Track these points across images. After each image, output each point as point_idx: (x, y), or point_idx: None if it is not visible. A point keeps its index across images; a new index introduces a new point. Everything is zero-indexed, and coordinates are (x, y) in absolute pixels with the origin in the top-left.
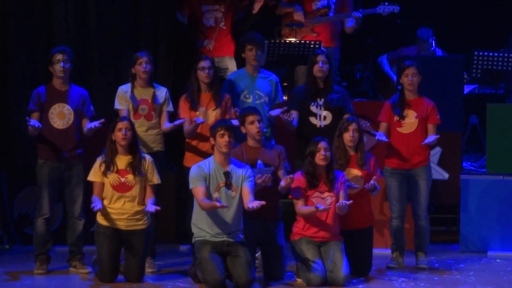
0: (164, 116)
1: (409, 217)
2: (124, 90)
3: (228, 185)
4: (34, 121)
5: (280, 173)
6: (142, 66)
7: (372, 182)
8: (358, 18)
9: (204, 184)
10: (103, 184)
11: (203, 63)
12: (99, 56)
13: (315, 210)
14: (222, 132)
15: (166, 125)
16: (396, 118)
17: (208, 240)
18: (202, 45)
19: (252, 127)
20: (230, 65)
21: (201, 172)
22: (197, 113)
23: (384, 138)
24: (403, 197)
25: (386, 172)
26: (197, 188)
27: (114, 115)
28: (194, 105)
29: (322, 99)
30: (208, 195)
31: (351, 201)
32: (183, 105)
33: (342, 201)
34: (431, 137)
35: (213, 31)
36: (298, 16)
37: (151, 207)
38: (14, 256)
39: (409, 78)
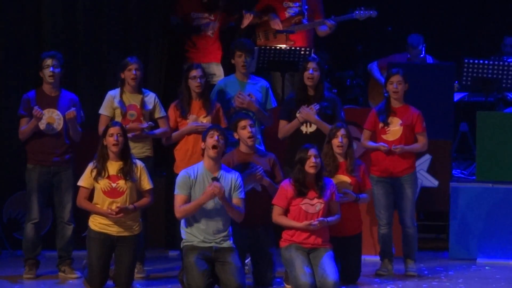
0: (160, 123)
1: (398, 224)
2: (112, 95)
3: None
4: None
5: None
6: (131, 72)
7: (341, 194)
8: (332, 26)
9: (187, 193)
10: (89, 190)
11: (195, 72)
12: (88, 61)
13: (302, 226)
14: (212, 133)
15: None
16: (381, 125)
17: (196, 245)
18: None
19: (244, 132)
20: (217, 71)
21: (186, 180)
22: (188, 120)
23: (385, 144)
24: (390, 204)
25: (372, 180)
26: (178, 196)
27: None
28: (184, 113)
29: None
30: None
31: (332, 218)
32: (172, 114)
33: (319, 218)
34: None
35: (200, 38)
36: (276, 24)
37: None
38: (3, 261)
39: (394, 86)
